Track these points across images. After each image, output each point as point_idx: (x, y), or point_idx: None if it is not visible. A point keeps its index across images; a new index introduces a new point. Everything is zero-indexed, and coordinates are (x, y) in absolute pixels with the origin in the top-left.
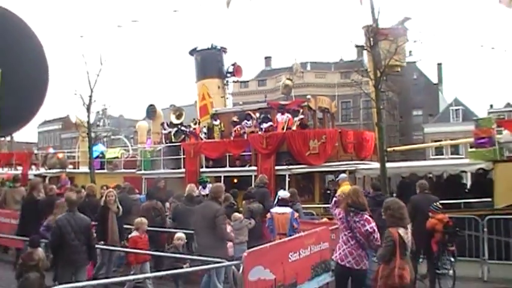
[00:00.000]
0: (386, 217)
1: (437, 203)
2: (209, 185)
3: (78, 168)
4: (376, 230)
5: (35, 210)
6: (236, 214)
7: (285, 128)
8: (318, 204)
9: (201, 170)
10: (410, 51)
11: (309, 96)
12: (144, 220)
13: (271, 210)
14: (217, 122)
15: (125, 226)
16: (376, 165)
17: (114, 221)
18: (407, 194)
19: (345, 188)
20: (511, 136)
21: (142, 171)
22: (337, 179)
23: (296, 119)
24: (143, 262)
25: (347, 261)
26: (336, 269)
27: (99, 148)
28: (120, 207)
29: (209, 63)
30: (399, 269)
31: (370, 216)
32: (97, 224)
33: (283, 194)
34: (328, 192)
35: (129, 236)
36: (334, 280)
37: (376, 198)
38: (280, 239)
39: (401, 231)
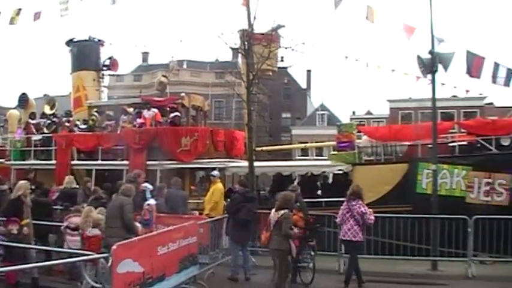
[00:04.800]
0: None
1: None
2: None
3: None
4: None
5: None
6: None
7: (153, 124)
8: (188, 199)
9: (73, 162)
10: (282, 57)
11: (183, 94)
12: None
13: (150, 202)
14: (98, 115)
15: None
16: (245, 163)
17: (29, 215)
18: (279, 191)
19: (217, 186)
20: (369, 142)
21: (12, 162)
22: (210, 176)
23: (171, 115)
24: None
25: (347, 236)
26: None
27: None
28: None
29: (85, 55)
30: (260, 234)
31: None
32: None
33: (149, 186)
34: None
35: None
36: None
37: (245, 195)
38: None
39: (272, 211)
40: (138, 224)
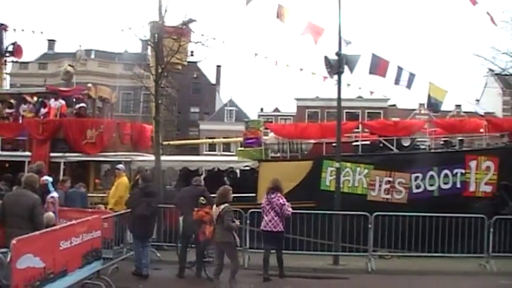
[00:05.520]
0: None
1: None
2: None
3: None
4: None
5: None
6: None
7: (58, 115)
8: (93, 193)
9: None
10: (192, 52)
11: (89, 85)
12: None
13: (53, 195)
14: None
15: None
16: (152, 157)
17: None
18: (186, 186)
19: (122, 179)
20: (275, 139)
21: None
22: (115, 169)
23: (77, 106)
24: None
25: (268, 226)
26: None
27: None
28: None
29: None
30: (204, 228)
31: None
32: None
33: (50, 178)
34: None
35: None
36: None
37: (144, 190)
38: None
39: (214, 206)
40: (51, 213)
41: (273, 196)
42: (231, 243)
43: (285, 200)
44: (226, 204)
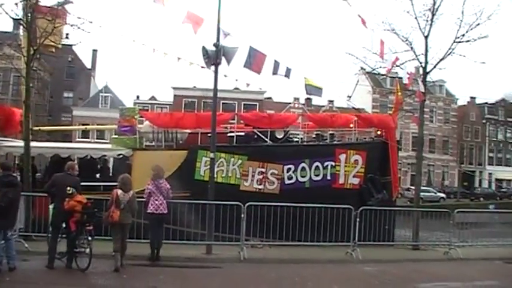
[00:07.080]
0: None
1: (75, 185)
2: None
3: None
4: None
5: None
6: None
7: None
8: None
9: None
10: (67, 34)
11: None
12: None
13: None
14: None
15: None
16: (21, 143)
17: None
18: (57, 172)
19: None
20: (150, 127)
21: None
22: None
23: None
24: None
25: (159, 210)
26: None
27: None
28: None
29: None
30: (112, 212)
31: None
32: None
33: None
34: None
35: None
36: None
37: (2, 179)
38: None
39: (119, 192)
40: None
41: (160, 182)
42: (130, 225)
43: (169, 185)
44: (132, 191)
